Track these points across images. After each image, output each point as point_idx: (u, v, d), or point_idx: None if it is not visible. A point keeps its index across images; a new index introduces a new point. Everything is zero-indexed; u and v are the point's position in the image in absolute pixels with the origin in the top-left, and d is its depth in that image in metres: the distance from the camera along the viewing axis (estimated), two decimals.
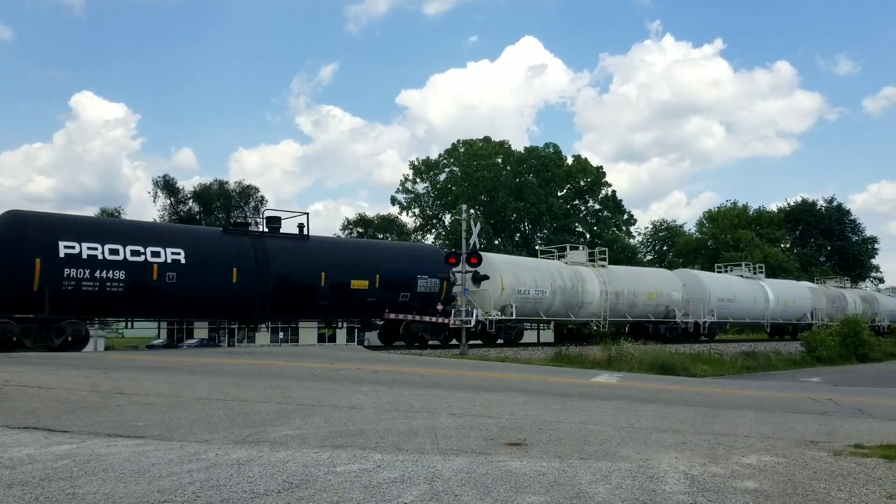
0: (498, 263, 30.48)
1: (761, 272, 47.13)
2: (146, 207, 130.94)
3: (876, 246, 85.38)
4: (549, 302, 31.81)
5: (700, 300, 38.72)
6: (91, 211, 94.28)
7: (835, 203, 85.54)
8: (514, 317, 29.77)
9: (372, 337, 42.83)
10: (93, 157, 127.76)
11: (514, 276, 30.21)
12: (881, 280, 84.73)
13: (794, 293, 47.45)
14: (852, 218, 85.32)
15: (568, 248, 37.28)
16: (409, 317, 27.01)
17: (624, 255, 66.01)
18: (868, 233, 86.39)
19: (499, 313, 29.11)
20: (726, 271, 46.25)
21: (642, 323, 36.81)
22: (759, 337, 48.00)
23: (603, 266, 35.75)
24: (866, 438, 8.10)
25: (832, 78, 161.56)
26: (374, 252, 28.27)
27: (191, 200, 64.60)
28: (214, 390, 11.05)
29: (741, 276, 44.74)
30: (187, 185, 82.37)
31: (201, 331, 51.14)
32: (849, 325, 40.45)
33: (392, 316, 26.51)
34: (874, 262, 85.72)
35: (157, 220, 56.65)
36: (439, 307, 27.37)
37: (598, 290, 34.08)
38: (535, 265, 33.10)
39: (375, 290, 26.11)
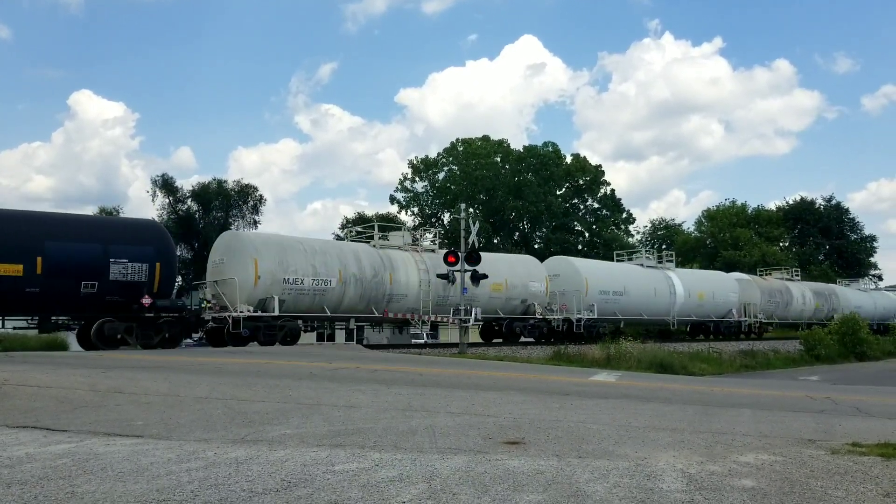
0: (255, 244, 25.32)
1: (670, 261, 42.56)
2: (145, 207, 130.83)
3: (875, 244, 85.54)
4: (337, 294, 26.26)
5: (574, 293, 33.47)
6: (90, 210, 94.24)
7: (833, 201, 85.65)
8: (276, 312, 24.26)
9: (370, 335, 42.78)
10: (91, 156, 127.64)
11: (277, 261, 24.80)
12: (880, 278, 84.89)
13: (713, 285, 42.35)
14: (851, 216, 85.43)
15: (376, 227, 31.29)
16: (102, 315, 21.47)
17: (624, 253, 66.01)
18: (867, 231, 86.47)
19: (250, 309, 23.94)
20: (628, 260, 41.09)
21: (489, 320, 32.57)
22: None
23: (432, 251, 30.10)
24: (864, 437, 8.11)
25: (831, 76, 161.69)
26: (33, 226, 21.15)
27: (189, 199, 64.51)
28: (213, 389, 11.06)
29: (641, 265, 39.72)
30: (186, 184, 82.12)
31: None
32: (847, 323, 40.52)
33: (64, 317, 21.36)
34: (873, 260, 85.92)
35: (156, 219, 56.55)
36: (146, 300, 21.86)
37: (415, 280, 28.33)
38: (316, 248, 26.61)
39: (36, 278, 20.25)
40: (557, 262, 36.70)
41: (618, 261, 41.06)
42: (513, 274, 32.03)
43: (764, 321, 44.69)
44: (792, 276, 52.96)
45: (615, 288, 35.93)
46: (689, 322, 41.90)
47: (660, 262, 41.20)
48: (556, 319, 32.97)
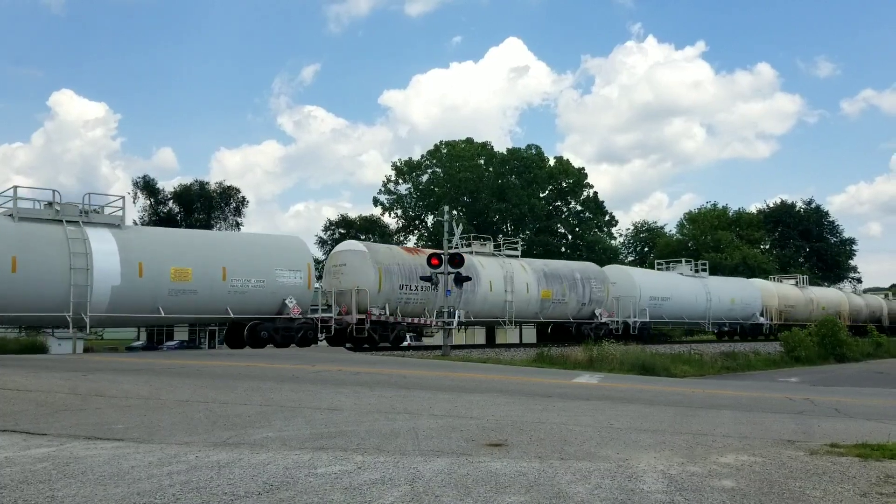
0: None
1: (704, 270, 46.12)
2: (125, 208, 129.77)
3: (854, 247, 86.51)
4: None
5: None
6: None
7: (813, 205, 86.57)
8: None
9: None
10: (71, 157, 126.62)
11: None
12: (859, 281, 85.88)
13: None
14: (831, 219, 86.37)
15: None
16: None
17: (606, 256, 66.32)
18: (846, 234, 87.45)
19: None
20: (666, 269, 45.48)
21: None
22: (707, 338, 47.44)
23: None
24: (842, 437, 8.21)
25: (812, 80, 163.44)
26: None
27: (171, 201, 64.15)
28: (194, 392, 11.01)
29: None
30: (167, 185, 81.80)
31: (182, 332, 50.74)
32: (827, 325, 40.87)
33: None
34: (852, 263, 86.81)
35: (137, 223, 56.19)
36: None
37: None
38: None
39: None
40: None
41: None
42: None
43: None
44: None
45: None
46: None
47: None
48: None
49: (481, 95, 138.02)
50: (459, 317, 28.38)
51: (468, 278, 27.02)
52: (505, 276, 31.96)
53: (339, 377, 14.36)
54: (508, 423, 8.79)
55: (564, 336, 35.86)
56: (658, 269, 45.23)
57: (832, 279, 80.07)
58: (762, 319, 47.03)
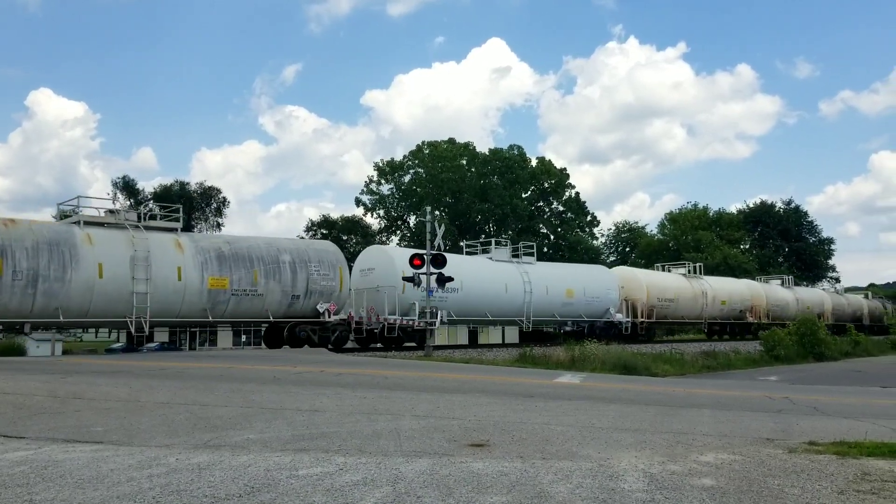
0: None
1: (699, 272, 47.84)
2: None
3: (832, 247, 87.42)
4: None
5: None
6: (48, 212, 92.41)
7: (792, 205, 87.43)
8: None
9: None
10: (49, 157, 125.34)
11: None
12: (838, 280, 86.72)
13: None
14: (810, 219, 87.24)
15: None
16: None
17: (588, 256, 66.59)
18: (825, 234, 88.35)
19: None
20: (667, 271, 46.88)
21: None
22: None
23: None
24: (820, 436, 8.30)
25: (792, 81, 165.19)
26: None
27: (151, 202, 63.71)
28: (175, 394, 10.94)
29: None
30: (147, 186, 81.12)
31: (162, 334, 50.29)
32: (806, 324, 41.23)
33: None
34: (831, 262, 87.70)
35: None
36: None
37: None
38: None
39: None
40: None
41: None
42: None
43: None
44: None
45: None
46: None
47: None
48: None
49: (463, 96, 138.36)
50: (443, 318, 28.36)
51: (450, 279, 27.02)
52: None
53: (320, 378, 14.32)
54: (490, 423, 8.80)
55: (545, 336, 36.74)
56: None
57: (811, 279, 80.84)
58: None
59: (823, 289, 62.87)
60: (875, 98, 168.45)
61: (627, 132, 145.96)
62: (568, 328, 36.81)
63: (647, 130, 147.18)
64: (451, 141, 73.03)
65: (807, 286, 68.83)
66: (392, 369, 17.68)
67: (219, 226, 65.14)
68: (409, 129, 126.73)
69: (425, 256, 25.70)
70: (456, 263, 31.41)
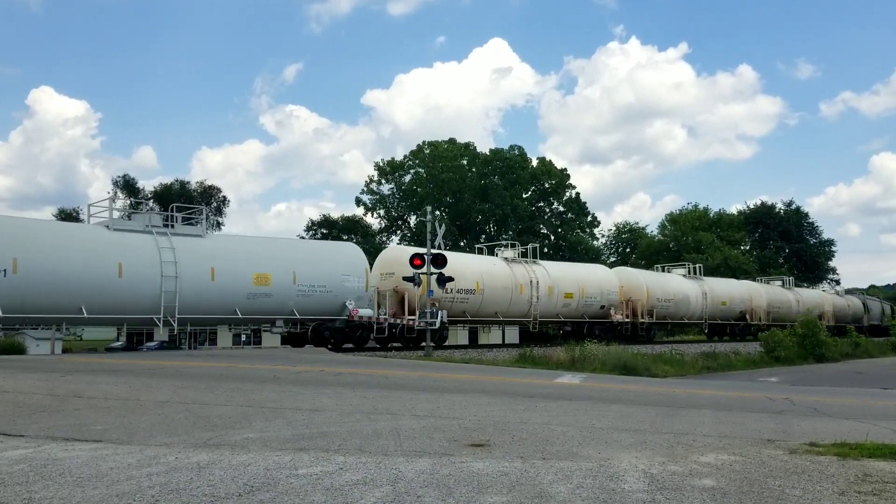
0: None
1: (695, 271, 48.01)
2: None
3: (833, 248, 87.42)
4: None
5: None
6: (48, 211, 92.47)
7: (793, 206, 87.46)
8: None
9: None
10: (50, 156, 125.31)
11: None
12: (838, 282, 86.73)
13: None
14: (810, 221, 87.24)
15: None
16: None
17: (588, 257, 66.56)
18: (825, 235, 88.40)
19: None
20: (667, 271, 47.02)
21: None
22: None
23: None
24: (821, 437, 8.28)
25: (793, 82, 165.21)
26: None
27: (151, 201, 63.67)
28: (174, 393, 10.92)
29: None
30: (148, 185, 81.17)
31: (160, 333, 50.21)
32: (806, 326, 41.21)
33: None
34: (831, 264, 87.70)
35: None
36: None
37: None
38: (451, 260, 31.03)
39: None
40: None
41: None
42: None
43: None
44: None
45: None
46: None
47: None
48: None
49: (464, 96, 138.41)
50: (443, 317, 28.33)
51: (451, 278, 27.01)
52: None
53: (320, 378, 14.30)
54: (490, 423, 8.79)
55: (546, 337, 36.78)
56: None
57: (812, 280, 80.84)
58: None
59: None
60: (876, 99, 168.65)
61: (628, 133, 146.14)
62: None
63: (647, 131, 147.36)
64: (452, 141, 73.03)
65: (807, 287, 68.78)
66: (392, 369, 17.66)
67: (219, 225, 65.08)
68: (409, 129, 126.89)
69: (425, 256, 25.68)
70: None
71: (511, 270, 33.76)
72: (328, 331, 26.99)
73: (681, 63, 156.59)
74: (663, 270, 46.62)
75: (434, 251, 26.12)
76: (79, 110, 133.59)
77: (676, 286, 43.35)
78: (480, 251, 37.94)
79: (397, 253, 31.98)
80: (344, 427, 8.13)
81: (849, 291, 70.53)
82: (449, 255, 30.96)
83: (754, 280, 56.35)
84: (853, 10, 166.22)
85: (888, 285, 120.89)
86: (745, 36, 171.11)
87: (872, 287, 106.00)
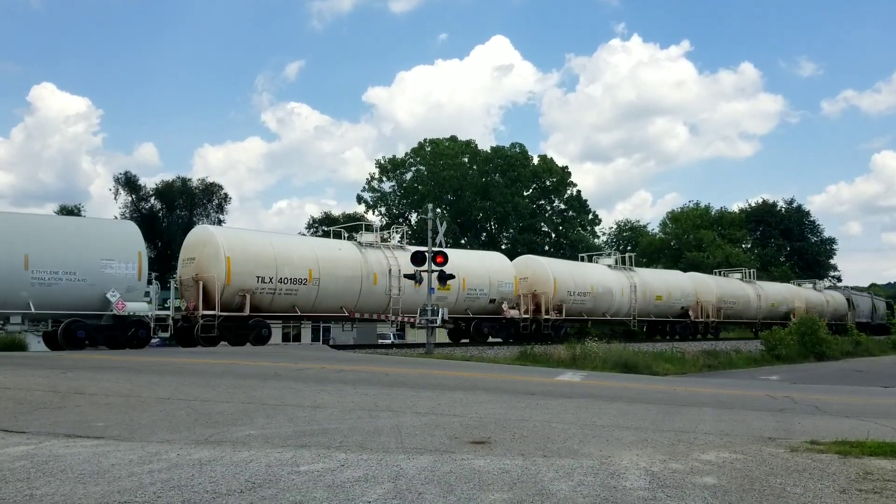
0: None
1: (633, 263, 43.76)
2: (107, 205, 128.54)
3: (834, 247, 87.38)
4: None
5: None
6: (49, 208, 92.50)
7: (794, 204, 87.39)
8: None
9: (337, 335, 42.79)
10: (52, 153, 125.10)
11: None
12: (839, 279, 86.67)
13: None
14: (811, 219, 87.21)
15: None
16: None
17: (589, 254, 66.52)
18: (826, 234, 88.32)
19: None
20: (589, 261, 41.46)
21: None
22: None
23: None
24: (822, 435, 8.28)
25: (795, 80, 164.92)
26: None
27: (153, 198, 63.70)
28: (176, 390, 10.93)
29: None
30: (149, 182, 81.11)
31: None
32: (807, 324, 41.20)
33: None
34: (832, 262, 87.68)
35: (118, 218, 55.66)
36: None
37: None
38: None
39: None
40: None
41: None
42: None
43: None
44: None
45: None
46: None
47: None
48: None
49: (466, 93, 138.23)
50: (444, 315, 28.31)
51: (452, 276, 27.00)
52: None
53: (322, 375, 14.31)
54: (491, 420, 8.79)
55: (545, 336, 34.85)
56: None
57: (813, 278, 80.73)
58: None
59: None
60: (878, 97, 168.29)
61: (630, 130, 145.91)
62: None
63: (649, 129, 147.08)
64: (453, 138, 73.03)
65: (810, 284, 68.41)
66: (393, 366, 17.68)
67: (220, 222, 65.09)
68: (411, 127, 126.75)
69: (427, 254, 25.68)
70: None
71: (363, 257, 28.35)
72: (84, 330, 21.62)
73: (682, 61, 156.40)
74: (589, 261, 41.01)
75: (435, 249, 26.09)
76: (80, 107, 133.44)
77: (596, 278, 37.54)
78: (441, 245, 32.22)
79: (200, 235, 26.39)
80: (345, 424, 8.14)
81: (853, 289, 70.02)
82: (249, 233, 27.06)
83: (750, 277, 52.99)
84: (855, 9, 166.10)
85: (889, 283, 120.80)
86: (746, 34, 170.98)
87: (873, 285, 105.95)
